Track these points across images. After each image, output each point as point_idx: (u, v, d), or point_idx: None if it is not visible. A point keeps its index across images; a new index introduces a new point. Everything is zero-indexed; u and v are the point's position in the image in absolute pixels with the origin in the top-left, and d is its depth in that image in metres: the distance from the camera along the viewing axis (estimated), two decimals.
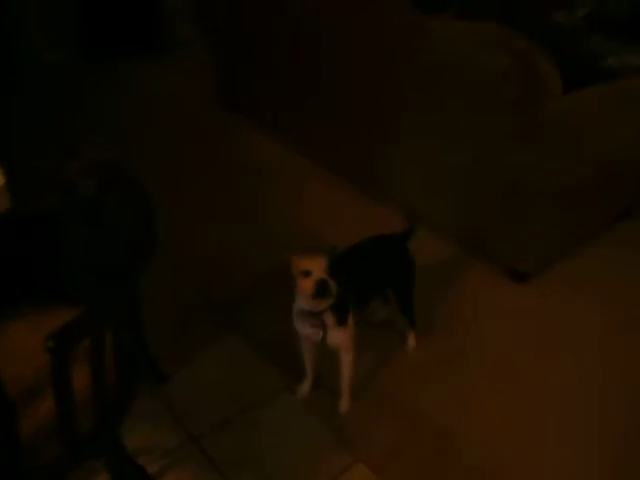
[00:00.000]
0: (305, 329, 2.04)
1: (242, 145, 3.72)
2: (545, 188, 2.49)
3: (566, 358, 2.43)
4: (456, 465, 2.03)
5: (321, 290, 1.86)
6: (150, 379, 2.24)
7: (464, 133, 2.68)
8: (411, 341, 2.42)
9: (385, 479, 1.97)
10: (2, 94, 3.55)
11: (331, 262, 1.88)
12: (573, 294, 2.71)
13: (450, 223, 2.89)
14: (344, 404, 2.18)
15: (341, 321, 2.01)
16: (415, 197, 2.98)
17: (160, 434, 2.09)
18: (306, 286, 1.88)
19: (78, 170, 1.44)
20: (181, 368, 2.31)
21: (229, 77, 3.97)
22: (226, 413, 2.17)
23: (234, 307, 2.60)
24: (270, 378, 2.30)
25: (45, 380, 1.17)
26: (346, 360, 2.12)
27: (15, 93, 3.81)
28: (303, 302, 1.97)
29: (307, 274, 1.87)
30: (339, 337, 2.04)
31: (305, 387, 2.24)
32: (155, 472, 1.96)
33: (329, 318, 1.99)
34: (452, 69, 2.63)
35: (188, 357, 2.37)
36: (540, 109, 2.39)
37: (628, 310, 2.66)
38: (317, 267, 1.86)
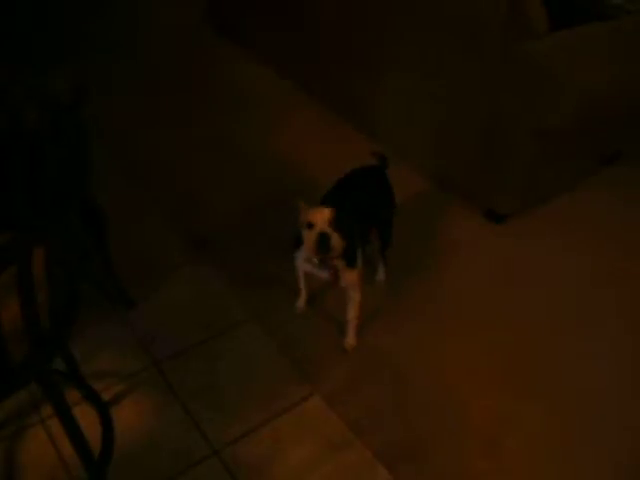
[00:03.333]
0: (312, 269, 2.07)
1: (230, 70, 3.66)
2: (525, 128, 2.43)
3: (536, 297, 2.44)
4: (412, 404, 2.06)
5: (322, 246, 1.87)
6: (118, 304, 2.28)
7: (445, 69, 2.60)
8: (381, 274, 2.44)
9: (340, 413, 2.01)
10: None
11: (336, 213, 1.88)
12: (549, 236, 2.70)
13: (430, 161, 2.86)
14: (350, 340, 2.22)
15: (351, 263, 2.03)
16: (396, 132, 2.94)
17: (124, 359, 2.14)
18: (309, 238, 1.89)
19: (22, 99, 1.42)
20: (150, 295, 2.35)
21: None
22: (190, 341, 2.21)
23: (210, 239, 2.61)
24: (236, 310, 2.32)
25: None
26: (354, 298, 2.16)
27: None
28: (307, 252, 1.99)
29: (310, 226, 1.88)
30: (349, 278, 2.08)
31: (302, 302, 2.32)
32: (114, 395, 2.01)
33: (339, 262, 2.01)
34: (436, 2, 2.54)
35: (158, 285, 2.40)
36: (523, 46, 2.31)
37: (606, 250, 2.65)
38: (320, 220, 1.87)
